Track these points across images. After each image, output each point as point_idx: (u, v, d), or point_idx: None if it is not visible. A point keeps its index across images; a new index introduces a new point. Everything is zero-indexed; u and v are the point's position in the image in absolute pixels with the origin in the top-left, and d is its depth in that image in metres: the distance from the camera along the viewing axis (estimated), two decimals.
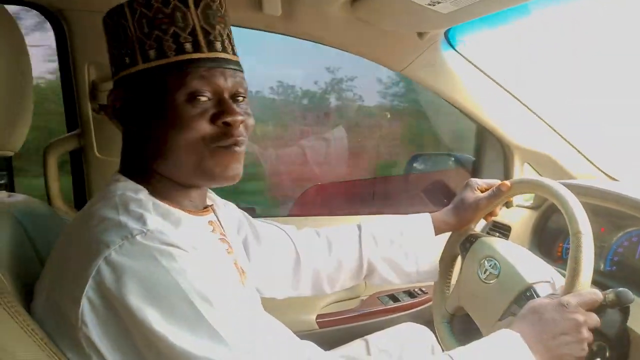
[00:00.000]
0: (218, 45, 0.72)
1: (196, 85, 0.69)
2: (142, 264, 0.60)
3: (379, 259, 1.07)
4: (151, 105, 0.71)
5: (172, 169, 0.73)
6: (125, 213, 0.65)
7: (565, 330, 0.75)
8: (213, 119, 0.71)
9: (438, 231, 1.08)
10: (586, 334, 0.75)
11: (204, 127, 0.70)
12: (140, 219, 0.64)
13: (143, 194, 0.71)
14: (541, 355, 0.74)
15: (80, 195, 1.44)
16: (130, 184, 0.73)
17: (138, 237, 0.61)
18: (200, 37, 0.70)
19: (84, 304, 0.60)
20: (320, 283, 1.07)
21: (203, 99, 0.70)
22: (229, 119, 0.71)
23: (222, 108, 0.71)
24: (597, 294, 0.77)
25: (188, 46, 0.70)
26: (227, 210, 0.97)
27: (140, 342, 0.61)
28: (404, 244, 1.07)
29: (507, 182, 1.02)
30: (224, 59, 0.72)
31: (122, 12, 0.71)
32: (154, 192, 0.73)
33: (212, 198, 0.94)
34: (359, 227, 1.09)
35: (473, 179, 1.09)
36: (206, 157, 0.72)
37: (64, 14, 1.29)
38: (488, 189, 1.06)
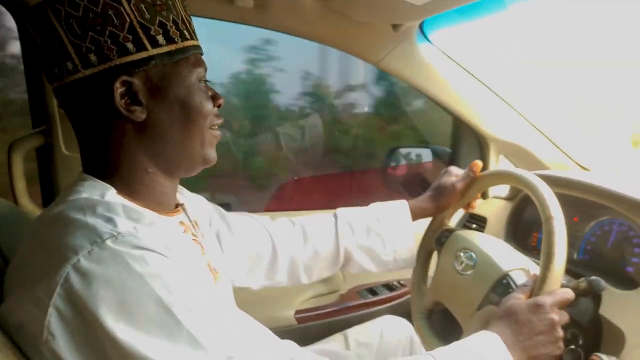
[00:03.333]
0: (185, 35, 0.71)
1: (200, 71, 0.73)
2: (114, 271, 0.56)
3: (356, 247, 1.06)
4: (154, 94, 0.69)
5: (167, 163, 0.73)
6: (92, 215, 0.61)
7: (541, 331, 0.76)
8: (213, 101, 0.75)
9: (415, 217, 1.08)
10: (561, 332, 0.77)
11: (211, 107, 0.74)
12: (110, 220, 0.60)
13: (111, 193, 0.67)
14: (518, 357, 0.75)
15: (48, 193, 1.40)
16: (98, 183, 0.69)
17: (108, 242, 0.57)
18: (148, 33, 0.66)
19: (52, 314, 0.56)
20: (297, 272, 1.06)
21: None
22: (221, 100, 0.76)
23: (211, 91, 0.76)
24: (570, 293, 0.79)
25: (149, 41, 0.66)
26: (197, 204, 0.94)
27: (114, 356, 0.56)
28: (381, 231, 1.06)
29: (477, 162, 1.05)
30: (193, 46, 0.72)
31: (43, 13, 0.64)
32: (122, 191, 0.69)
33: (184, 194, 0.90)
34: (335, 216, 1.08)
35: (452, 167, 1.11)
36: (205, 141, 0.74)
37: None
38: None
